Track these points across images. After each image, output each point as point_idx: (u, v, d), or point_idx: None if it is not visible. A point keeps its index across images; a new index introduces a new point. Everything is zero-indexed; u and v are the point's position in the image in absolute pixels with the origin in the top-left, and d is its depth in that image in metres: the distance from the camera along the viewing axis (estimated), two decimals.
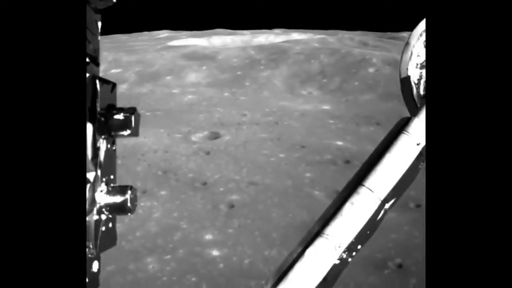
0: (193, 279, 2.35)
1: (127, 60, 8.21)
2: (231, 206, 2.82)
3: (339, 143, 4.51)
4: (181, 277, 2.37)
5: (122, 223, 2.82)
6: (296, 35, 11.77)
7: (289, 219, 2.71)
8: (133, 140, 4.49)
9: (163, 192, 3.21)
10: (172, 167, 3.65)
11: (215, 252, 2.44)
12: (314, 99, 6.81)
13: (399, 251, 2.47)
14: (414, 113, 1.40)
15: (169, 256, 2.45)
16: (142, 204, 3.12)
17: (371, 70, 7.84)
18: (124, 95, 5.75)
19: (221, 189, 3.14)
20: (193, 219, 2.81)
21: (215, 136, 4.61)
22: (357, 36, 11.40)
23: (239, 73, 7.63)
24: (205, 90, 7.04)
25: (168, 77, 7.78)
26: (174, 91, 7.14)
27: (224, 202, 2.88)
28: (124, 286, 2.28)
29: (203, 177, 3.34)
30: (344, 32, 11.80)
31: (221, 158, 3.63)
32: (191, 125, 5.02)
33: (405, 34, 10.67)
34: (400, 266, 2.39)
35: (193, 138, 4.62)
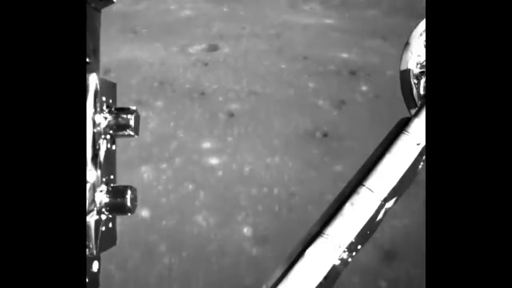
0: (190, 187, 2.25)
1: None
2: (231, 114, 2.68)
3: (344, 55, 4.30)
4: (178, 185, 2.25)
5: None
6: None
7: (291, 128, 2.56)
8: (127, 54, 4.28)
9: (159, 103, 3.05)
10: (169, 78, 3.47)
11: (213, 160, 2.31)
12: (316, 14, 6.50)
13: None
14: (414, 113, 1.32)
15: (165, 165, 2.32)
16: None
17: None
18: (120, 13, 5.51)
19: (220, 98, 2.97)
20: (191, 128, 2.66)
21: (213, 48, 4.40)
22: None
23: None
24: (203, 5, 6.72)
25: None
26: (171, 7, 6.86)
27: (223, 111, 2.73)
28: None
29: (201, 87, 3.16)
30: None
31: (220, 69, 3.45)
32: (188, 38, 4.78)
33: None
34: None
35: (191, 51, 4.41)
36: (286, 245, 2.17)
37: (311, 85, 3.17)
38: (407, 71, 1.52)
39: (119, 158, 2.53)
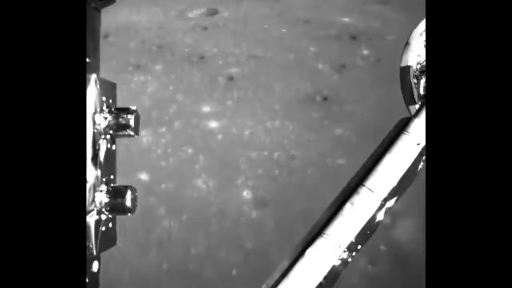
0: (190, 150, 2.24)
1: None
2: (230, 78, 2.65)
3: (345, 19, 4.24)
4: (177, 149, 2.24)
5: None
6: None
7: (292, 92, 2.54)
8: (124, 18, 4.21)
9: (158, 67, 3.01)
10: (168, 42, 3.43)
11: (213, 124, 2.30)
12: None
13: None
14: (414, 113, 1.30)
15: (164, 129, 2.31)
16: (135, 79, 2.92)
17: None
18: None
19: (220, 62, 2.93)
20: (190, 92, 2.64)
21: (212, 12, 4.33)
22: None
23: None
24: None
25: None
26: None
27: (223, 74, 2.70)
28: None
29: (200, 51, 3.12)
30: None
31: (220, 33, 3.40)
32: (187, 3, 4.70)
33: None
34: None
35: (190, 15, 4.33)
36: (285, 208, 2.18)
37: (311, 49, 3.13)
38: (407, 70, 1.49)
39: None
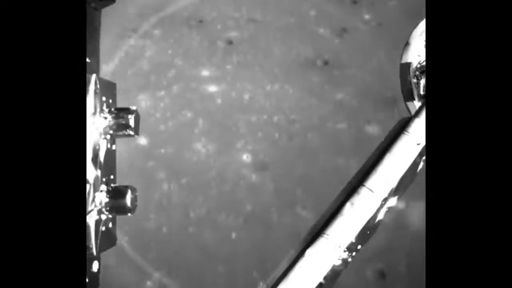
0: (189, 114, 2.21)
1: None
2: (230, 42, 2.60)
3: None
4: (176, 112, 2.22)
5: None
6: None
7: (292, 55, 2.50)
8: None
9: (156, 31, 2.96)
10: (166, 6, 3.36)
11: (212, 88, 2.27)
12: None
13: None
14: (414, 113, 1.30)
15: (162, 93, 2.28)
16: (132, 43, 2.88)
17: None
18: None
19: (219, 26, 2.88)
20: (189, 56, 2.60)
21: None
22: None
23: None
24: None
25: None
26: None
27: (222, 38, 2.65)
28: None
29: (199, 14, 3.06)
30: None
31: None
32: None
33: None
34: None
35: None
36: (285, 172, 2.17)
37: (312, 13, 3.07)
38: (407, 70, 1.47)
39: (117, 86, 2.46)
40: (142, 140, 2.15)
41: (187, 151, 2.11)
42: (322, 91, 2.24)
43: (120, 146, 1.94)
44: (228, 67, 2.36)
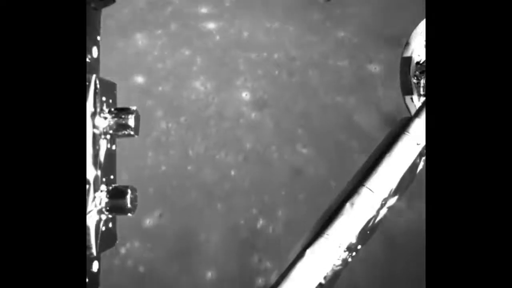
0: (187, 52, 2.17)
1: None
2: None
3: None
4: (174, 51, 2.18)
5: None
6: None
7: None
8: None
9: None
10: None
11: (210, 25, 2.21)
12: None
13: None
14: (414, 113, 1.32)
15: (160, 31, 2.23)
16: None
17: None
18: None
19: None
20: None
21: None
22: None
23: None
24: None
25: None
26: None
27: None
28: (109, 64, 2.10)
29: None
30: None
31: None
32: None
33: None
34: None
35: None
36: (285, 109, 2.14)
37: None
38: (407, 70, 1.43)
39: (112, 24, 2.42)
40: (140, 79, 2.11)
41: (185, 89, 2.08)
42: (323, 28, 2.19)
43: (119, 84, 1.92)
44: (227, 4, 2.30)
